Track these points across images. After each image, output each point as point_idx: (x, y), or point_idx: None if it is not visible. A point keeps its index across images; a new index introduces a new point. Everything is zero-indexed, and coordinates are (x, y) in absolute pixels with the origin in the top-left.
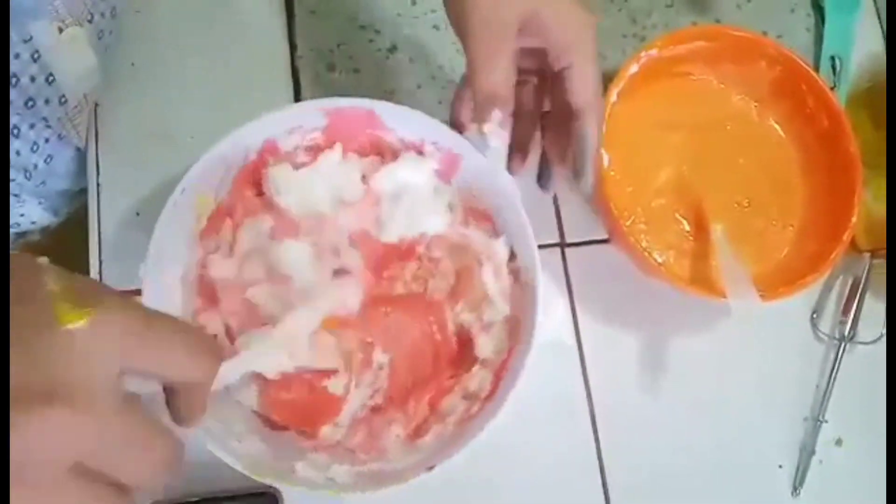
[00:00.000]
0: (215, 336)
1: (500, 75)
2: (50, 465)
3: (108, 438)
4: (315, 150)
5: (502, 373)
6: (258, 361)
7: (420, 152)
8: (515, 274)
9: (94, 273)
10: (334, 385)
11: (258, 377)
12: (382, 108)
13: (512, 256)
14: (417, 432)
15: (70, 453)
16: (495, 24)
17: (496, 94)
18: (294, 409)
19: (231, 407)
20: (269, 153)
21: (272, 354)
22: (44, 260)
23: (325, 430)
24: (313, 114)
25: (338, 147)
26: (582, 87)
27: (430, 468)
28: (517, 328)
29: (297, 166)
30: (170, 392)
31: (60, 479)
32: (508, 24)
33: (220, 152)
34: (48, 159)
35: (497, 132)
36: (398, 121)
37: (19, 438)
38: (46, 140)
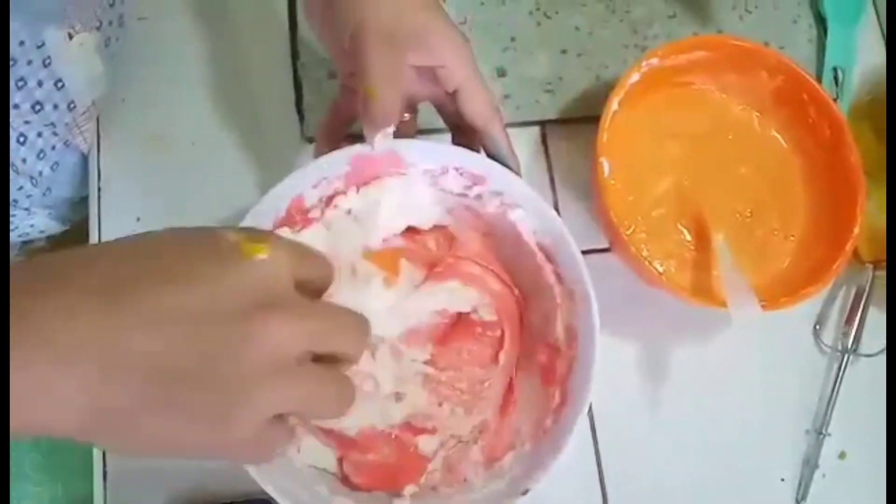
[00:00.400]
0: None
1: (397, 95)
2: (289, 360)
3: (320, 324)
4: (329, 200)
5: (567, 383)
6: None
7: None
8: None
9: None
10: (426, 444)
11: (334, 436)
12: (401, 145)
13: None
14: (493, 454)
15: (297, 344)
16: (392, 44)
17: (393, 114)
18: (377, 471)
19: (309, 473)
20: (296, 211)
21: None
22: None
23: (411, 488)
24: (340, 162)
25: (350, 193)
26: (476, 106)
27: (525, 492)
28: (574, 337)
29: (308, 222)
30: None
31: (299, 369)
32: (402, 44)
33: (255, 215)
34: (55, 166)
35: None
36: (419, 155)
37: (256, 345)
38: (53, 147)
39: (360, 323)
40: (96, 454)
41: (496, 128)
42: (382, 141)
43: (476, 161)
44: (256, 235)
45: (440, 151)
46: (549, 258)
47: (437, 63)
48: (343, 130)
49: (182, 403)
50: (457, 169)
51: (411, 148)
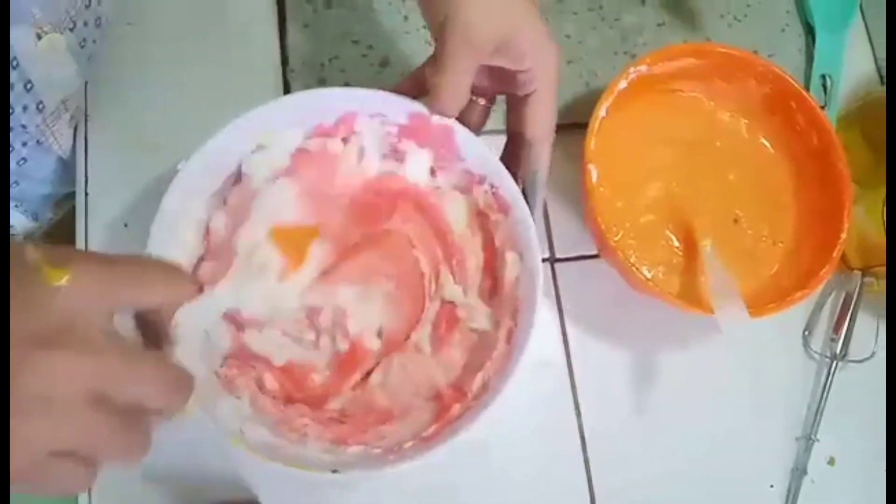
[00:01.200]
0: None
1: (459, 97)
2: (69, 398)
3: (111, 367)
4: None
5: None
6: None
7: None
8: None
9: None
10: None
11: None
12: (463, 133)
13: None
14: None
15: (78, 382)
16: (473, 45)
17: (451, 112)
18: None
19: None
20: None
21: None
22: (18, 238)
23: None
24: (400, 107)
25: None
26: (541, 115)
27: (335, 471)
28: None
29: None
30: (144, 326)
31: (80, 408)
32: (485, 45)
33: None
34: (21, 162)
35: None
36: (471, 150)
37: (35, 377)
38: (23, 143)
39: (175, 378)
40: None
41: (546, 147)
42: (440, 119)
43: (509, 188)
44: (59, 256)
45: (487, 158)
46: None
47: (520, 68)
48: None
49: None
50: (491, 185)
51: (469, 141)
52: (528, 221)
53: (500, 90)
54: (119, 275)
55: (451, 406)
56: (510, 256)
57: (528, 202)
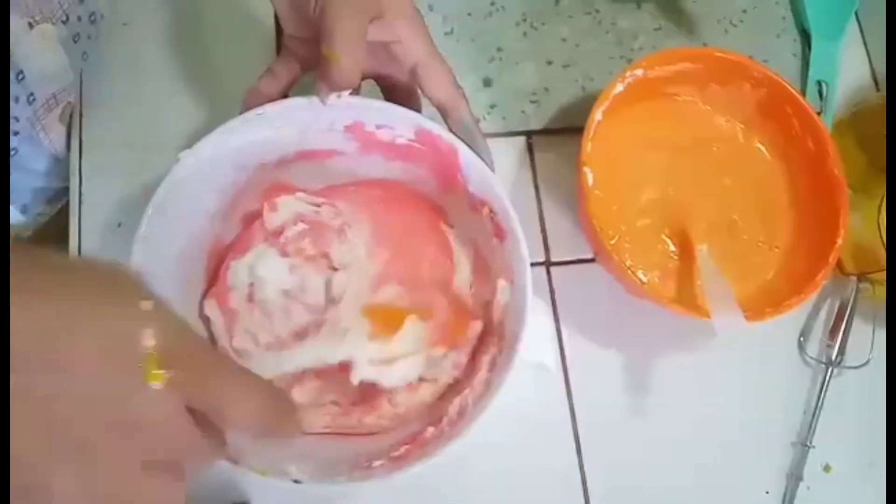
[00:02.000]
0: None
1: (359, 66)
2: (125, 463)
3: (173, 448)
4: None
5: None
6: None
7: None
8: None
9: None
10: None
11: None
12: (468, 154)
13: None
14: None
15: (138, 458)
16: (357, 7)
17: (352, 81)
18: None
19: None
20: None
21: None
22: (147, 306)
23: None
24: (406, 121)
25: None
26: (436, 83)
27: (296, 481)
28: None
29: None
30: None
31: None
32: (367, 9)
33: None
34: (12, 153)
35: None
36: (474, 172)
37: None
38: (15, 133)
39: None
40: None
41: (460, 105)
42: (335, 100)
43: (507, 214)
44: (172, 351)
45: (488, 182)
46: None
47: (394, 38)
48: (276, 97)
49: None
50: (492, 211)
51: (473, 164)
52: (523, 252)
53: (383, 72)
54: (212, 395)
55: (425, 429)
56: (500, 284)
57: (475, 152)
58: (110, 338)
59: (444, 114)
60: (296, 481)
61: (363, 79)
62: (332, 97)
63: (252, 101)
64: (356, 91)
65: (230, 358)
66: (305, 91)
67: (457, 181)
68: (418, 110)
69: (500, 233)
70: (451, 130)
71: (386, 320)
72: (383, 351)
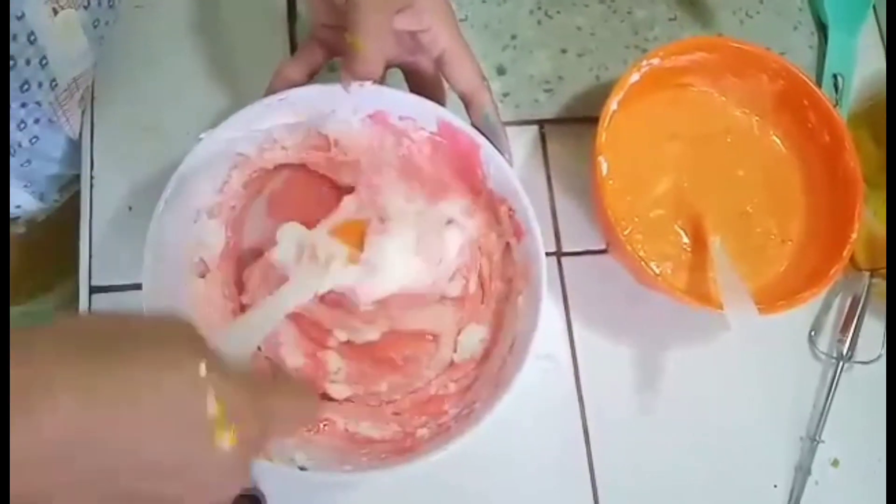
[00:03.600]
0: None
1: (383, 56)
2: None
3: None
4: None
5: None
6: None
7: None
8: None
9: (83, 268)
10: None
11: None
12: (489, 151)
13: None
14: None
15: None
16: (384, 4)
17: (375, 70)
18: None
19: None
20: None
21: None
22: (202, 370)
23: None
24: (429, 113)
25: None
26: (462, 72)
27: (302, 468)
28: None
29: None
30: None
31: None
32: (392, 5)
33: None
34: (34, 140)
35: None
36: (495, 170)
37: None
38: (36, 121)
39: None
40: None
41: (484, 97)
42: (358, 88)
43: (526, 213)
44: (235, 408)
45: (508, 178)
46: None
47: (421, 27)
48: (302, 82)
49: None
50: (510, 209)
51: (495, 160)
52: (539, 252)
53: (409, 60)
54: (284, 427)
55: (432, 422)
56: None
57: (495, 146)
58: (175, 409)
59: (467, 104)
60: (301, 468)
61: (389, 67)
62: (355, 85)
63: (277, 85)
64: (379, 80)
65: (270, 379)
66: (330, 79)
67: (476, 177)
68: (443, 102)
69: (518, 232)
70: (472, 122)
71: (348, 233)
72: (366, 266)
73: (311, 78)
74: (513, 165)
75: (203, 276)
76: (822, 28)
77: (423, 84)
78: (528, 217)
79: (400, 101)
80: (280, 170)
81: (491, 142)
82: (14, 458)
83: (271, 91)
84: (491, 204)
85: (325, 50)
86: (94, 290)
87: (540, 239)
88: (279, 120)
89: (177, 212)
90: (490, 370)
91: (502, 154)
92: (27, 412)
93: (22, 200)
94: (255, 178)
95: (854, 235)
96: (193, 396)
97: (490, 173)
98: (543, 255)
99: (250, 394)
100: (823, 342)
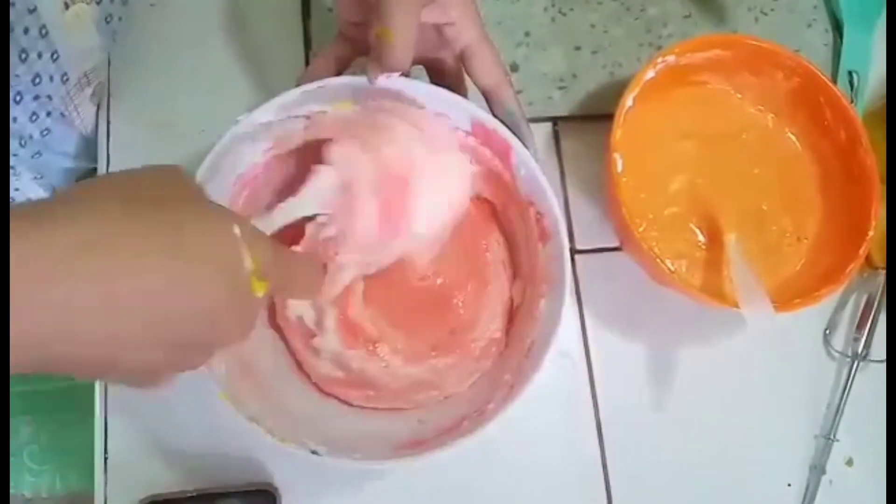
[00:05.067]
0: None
1: (411, 48)
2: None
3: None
4: None
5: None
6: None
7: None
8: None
9: None
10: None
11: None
12: (521, 152)
13: None
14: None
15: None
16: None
17: (405, 61)
18: None
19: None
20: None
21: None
22: (237, 231)
23: None
24: (463, 111)
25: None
26: (486, 66)
27: (315, 453)
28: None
29: None
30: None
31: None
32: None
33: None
34: (45, 132)
35: None
36: (526, 171)
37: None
38: (48, 113)
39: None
40: (98, 443)
41: (506, 91)
42: (385, 81)
43: (553, 217)
44: (263, 266)
45: (538, 181)
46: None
47: (447, 20)
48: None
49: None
50: (538, 213)
51: (419, 89)
52: (565, 256)
53: (430, 55)
54: (299, 286)
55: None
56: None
57: (521, 141)
58: (221, 263)
59: (490, 99)
60: (314, 452)
61: (413, 63)
62: (382, 78)
63: (306, 81)
64: (406, 74)
65: (288, 248)
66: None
67: (503, 179)
68: (464, 97)
69: (544, 235)
70: (495, 116)
71: None
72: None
73: (339, 74)
74: (538, 161)
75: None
76: (836, 25)
77: (445, 79)
78: (556, 220)
79: (434, 96)
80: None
81: (516, 136)
82: (82, 313)
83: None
84: (519, 207)
85: (353, 47)
86: None
87: (566, 244)
88: (316, 107)
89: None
90: (507, 369)
91: (527, 147)
92: (102, 272)
93: (33, 193)
94: (288, 159)
95: (870, 233)
96: (233, 252)
97: (520, 175)
98: (569, 260)
99: (274, 253)
100: (838, 340)
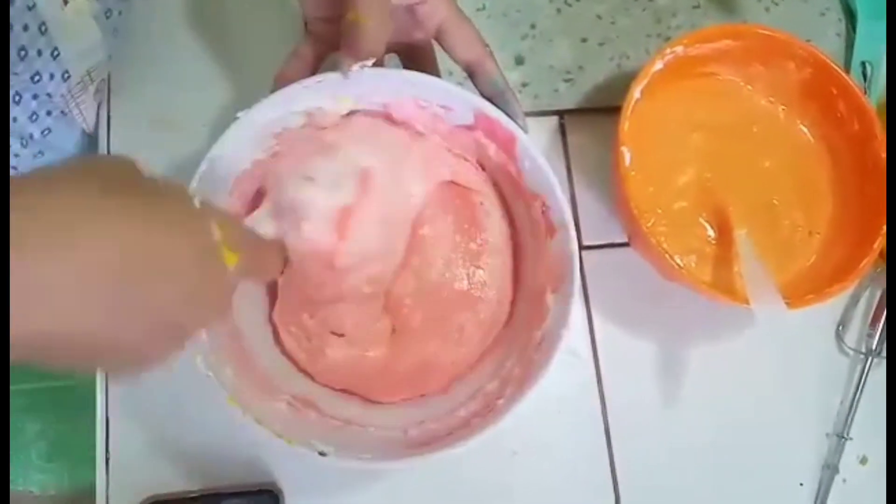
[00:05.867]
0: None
1: (385, 33)
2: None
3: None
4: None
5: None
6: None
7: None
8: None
9: None
10: None
11: None
12: (525, 143)
13: None
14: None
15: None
16: None
17: (379, 46)
18: None
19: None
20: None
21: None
22: (197, 201)
23: None
24: (465, 103)
25: None
26: (464, 42)
27: (323, 454)
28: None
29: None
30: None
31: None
32: None
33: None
34: (45, 132)
35: None
36: (530, 163)
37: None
38: (48, 113)
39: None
40: (99, 442)
41: (489, 63)
42: (358, 72)
43: (560, 211)
44: (232, 238)
45: (544, 174)
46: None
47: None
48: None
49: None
50: (544, 205)
51: (532, 154)
52: (573, 251)
53: (404, 40)
54: (263, 264)
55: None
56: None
57: (507, 112)
58: (190, 236)
59: (472, 73)
60: (321, 453)
61: (386, 50)
62: (356, 67)
63: (280, 85)
64: (379, 62)
65: (250, 228)
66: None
67: (509, 172)
68: (437, 77)
69: (550, 230)
70: (480, 91)
71: None
72: None
73: (314, 73)
74: (527, 132)
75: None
76: (850, 15)
77: (418, 64)
78: (563, 213)
79: (436, 89)
80: None
81: (502, 109)
82: (57, 289)
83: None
84: (525, 201)
85: (322, 45)
86: None
87: (574, 237)
88: (316, 102)
89: (210, 188)
90: (515, 364)
91: (515, 120)
92: (70, 246)
93: None
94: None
95: (885, 227)
96: (201, 221)
97: (525, 168)
98: (577, 254)
99: (240, 229)
100: (851, 337)
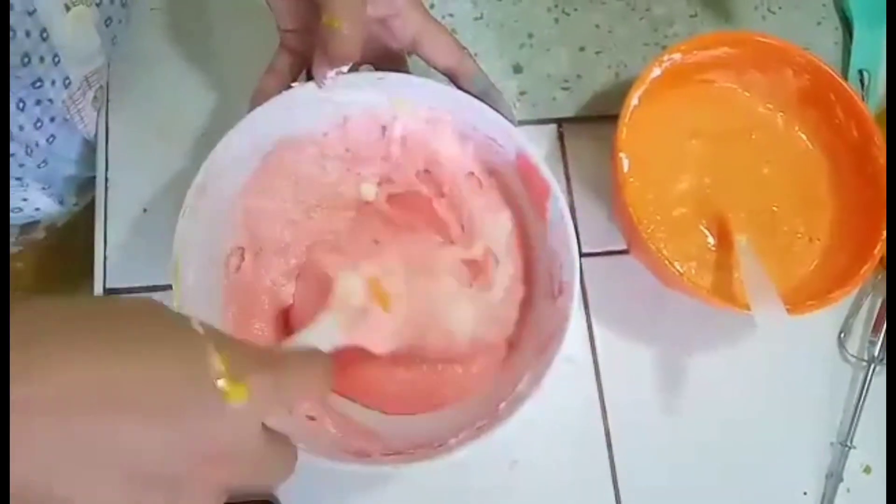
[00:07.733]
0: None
1: (361, 33)
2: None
3: (253, 471)
4: None
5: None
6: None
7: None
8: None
9: (98, 271)
10: None
11: None
12: (559, 194)
13: None
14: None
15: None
16: None
17: (354, 52)
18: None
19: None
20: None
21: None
22: (199, 328)
23: None
24: (510, 139)
25: None
26: (442, 47)
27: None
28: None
29: None
30: None
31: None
32: None
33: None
34: (50, 139)
35: None
36: (555, 213)
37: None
38: (52, 119)
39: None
40: None
41: (470, 64)
42: (333, 80)
43: (570, 272)
44: (238, 365)
45: (567, 232)
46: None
47: (394, 11)
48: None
49: None
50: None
51: (472, 110)
52: (574, 260)
53: (378, 53)
54: (286, 389)
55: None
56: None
57: (494, 108)
58: (181, 369)
59: (456, 77)
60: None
61: (361, 63)
62: (331, 74)
63: (258, 101)
64: (356, 67)
65: (280, 348)
66: None
67: (535, 228)
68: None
69: (561, 288)
70: (464, 91)
71: None
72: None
73: (290, 87)
74: (516, 124)
75: (238, 270)
76: (846, 23)
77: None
78: (570, 276)
79: (485, 119)
80: None
81: (489, 105)
82: (24, 440)
83: (252, 108)
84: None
85: (296, 58)
86: (108, 292)
87: (577, 295)
88: (318, 112)
89: (207, 203)
90: (514, 373)
91: (502, 114)
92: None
93: (41, 203)
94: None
95: (885, 233)
96: (195, 351)
97: (551, 217)
98: (578, 262)
99: (255, 349)
100: (853, 344)
